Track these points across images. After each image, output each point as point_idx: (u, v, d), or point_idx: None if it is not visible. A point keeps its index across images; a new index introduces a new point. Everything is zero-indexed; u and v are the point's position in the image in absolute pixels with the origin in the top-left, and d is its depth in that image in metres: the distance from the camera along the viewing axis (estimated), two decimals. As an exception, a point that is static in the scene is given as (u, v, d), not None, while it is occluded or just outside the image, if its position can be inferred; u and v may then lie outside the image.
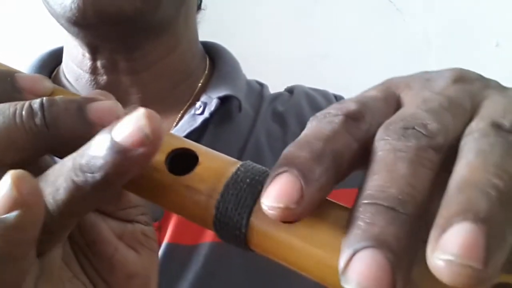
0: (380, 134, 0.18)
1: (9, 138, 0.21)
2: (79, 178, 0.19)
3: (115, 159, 0.19)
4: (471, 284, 0.14)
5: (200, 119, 0.47)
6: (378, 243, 0.15)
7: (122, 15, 0.43)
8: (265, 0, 0.99)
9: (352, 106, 0.19)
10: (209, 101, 0.49)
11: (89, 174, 0.19)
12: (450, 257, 0.14)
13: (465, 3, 0.98)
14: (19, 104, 0.21)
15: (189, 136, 0.46)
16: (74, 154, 0.20)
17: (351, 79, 0.80)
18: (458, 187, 0.15)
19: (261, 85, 0.58)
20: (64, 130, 0.21)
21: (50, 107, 0.21)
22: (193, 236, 0.44)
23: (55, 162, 0.24)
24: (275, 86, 0.59)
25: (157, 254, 0.28)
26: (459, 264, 0.13)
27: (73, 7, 0.42)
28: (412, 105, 0.19)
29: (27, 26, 0.86)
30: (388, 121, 0.18)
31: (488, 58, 0.95)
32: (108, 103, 0.22)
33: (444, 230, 0.14)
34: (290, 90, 0.57)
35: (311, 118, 0.19)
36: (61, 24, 0.47)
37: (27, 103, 0.21)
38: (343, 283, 0.15)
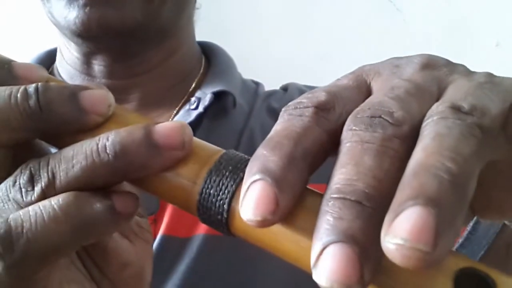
0: (348, 123, 0.18)
1: (3, 118, 0.22)
2: (101, 159, 0.21)
3: (147, 151, 0.20)
4: (421, 266, 0.14)
5: (194, 114, 0.48)
6: (346, 237, 0.15)
7: (124, 27, 0.44)
8: (264, 0, 1.00)
9: (322, 97, 0.20)
10: (204, 97, 0.50)
11: (111, 156, 0.20)
12: (400, 241, 0.14)
13: (465, 3, 0.98)
14: (14, 87, 0.22)
15: None
16: (96, 138, 0.21)
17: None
18: (413, 171, 0.16)
19: (257, 83, 0.59)
20: (57, 114, 0.22)
21: (44, 92, 0.22)
22: (187, 228, 0.45)
23: (49, 149, 0.25)
24: (274, 86, 0.60)
25: (151, 245, 0.29)
26: (408, 247, 0.14)
27: (77, 21, 0.43)
28: (380, 92, 0.20)
29: (27, 26, 0.87)
30: (356, 110, 0.19)
31: (488, 58, 0.95)
32: (100, 91, 0.23)
33: (396, 214, 0.15)
34: (285, 88, 0.58)
35: (283, 109, 0.20)
36: (64, 34, 0.48)
37: (22, 86, 0.22)
38: (314, 277, 0.15)
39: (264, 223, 0.17)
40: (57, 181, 0.21)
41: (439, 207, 0.14)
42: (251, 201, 0.17)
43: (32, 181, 0.21)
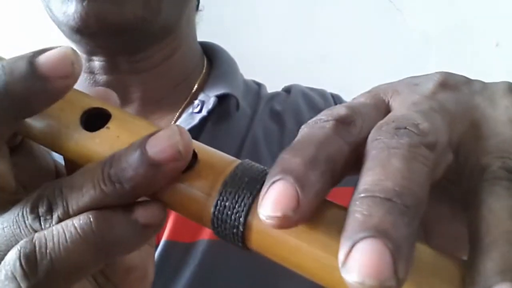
0: (372, 135, 0.18)
1: None
2: (108, 187, 0.20)
3: (146, 172, 0.20)
4: None
5: (198, 117, 0.48)
6: (377, 232, 0.15)
7: (124, 24, 0.44)
8: (264, 0, 0.99)
9: (342, 111, 0.19)
10: (207, 100, 0.49)
11: (117, 184, 0.20)
12: None
13: (465, 3, 0.98)
14: None
15: None
16: (101, 162, 0.21)
17: (350, 80, 0.80)
18: (488, 240, 0.16)
19: (259, 84, 0.59)
20: (19, 89, 0.20)
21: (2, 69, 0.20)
22: (190, 233, 0.44)
23: (48, 153, 0.25)
24: (274, 86, 0.59)
25: (154, 247, 0.28)
26: None
27: (76, 16, 0.43)
28: (402, 107, 0.19)
29: (27, 26, 0.86)
30: (380, 123, 0.18)
31: (488, 58, 0.95)
32: (58, 50, 0.21)
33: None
34: (287, 90, 0.58)
35: (303, 126, 0.20)
36: (62, 31, 0.47)
37: None
38: (343, 274, 0.15)
39: (284, 221, 0.16)
40: (71, 210, 0.21)
41: None
42: (271, 197, 0.16)
43: (51, 211, 0.21)
